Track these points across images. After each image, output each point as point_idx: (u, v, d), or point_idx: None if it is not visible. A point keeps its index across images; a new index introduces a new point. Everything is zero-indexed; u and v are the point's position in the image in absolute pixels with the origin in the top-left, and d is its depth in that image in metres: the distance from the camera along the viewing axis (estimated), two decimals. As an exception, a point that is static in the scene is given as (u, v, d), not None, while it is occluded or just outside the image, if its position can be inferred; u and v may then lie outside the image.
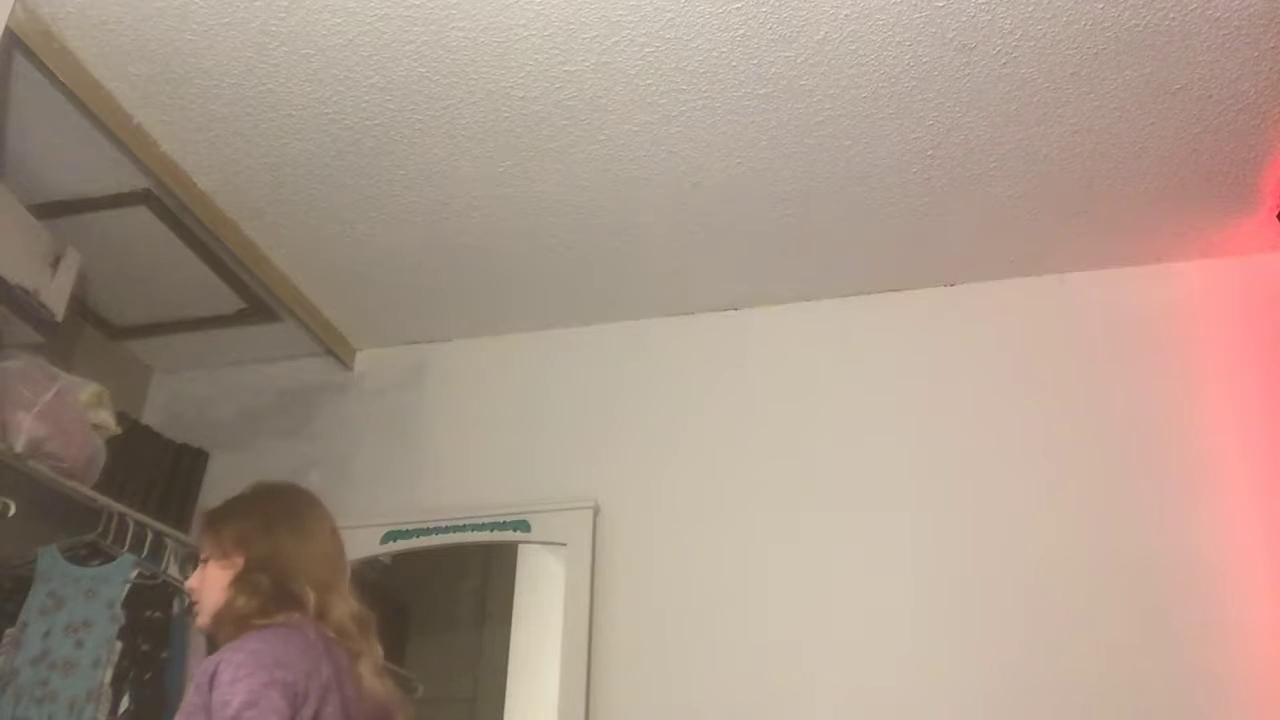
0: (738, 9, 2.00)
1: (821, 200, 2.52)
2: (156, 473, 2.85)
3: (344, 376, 3.17)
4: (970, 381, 2.69)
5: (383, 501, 2.91)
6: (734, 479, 2.73)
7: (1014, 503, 2.53)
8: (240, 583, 1.75)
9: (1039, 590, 2.42)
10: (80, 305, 2.84)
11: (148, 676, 2.27)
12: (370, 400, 3.12)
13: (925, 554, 2.53)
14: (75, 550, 2.34)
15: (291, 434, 3.11)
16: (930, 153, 2.36)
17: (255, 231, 2.67)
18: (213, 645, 1.81)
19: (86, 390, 2.45)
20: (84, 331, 2.97)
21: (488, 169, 2.44)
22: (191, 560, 2.42)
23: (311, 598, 1.75)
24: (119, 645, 2.24)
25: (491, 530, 2.79)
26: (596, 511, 2.75)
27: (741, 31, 2.05)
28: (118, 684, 2.21)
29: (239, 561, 1.78)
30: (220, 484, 2.82)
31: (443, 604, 3.07)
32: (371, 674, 1.77)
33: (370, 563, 2.80)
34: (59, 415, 2.31)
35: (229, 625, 1.72)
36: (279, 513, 1.85)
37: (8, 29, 1.91)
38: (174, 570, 2.44)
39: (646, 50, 2.10)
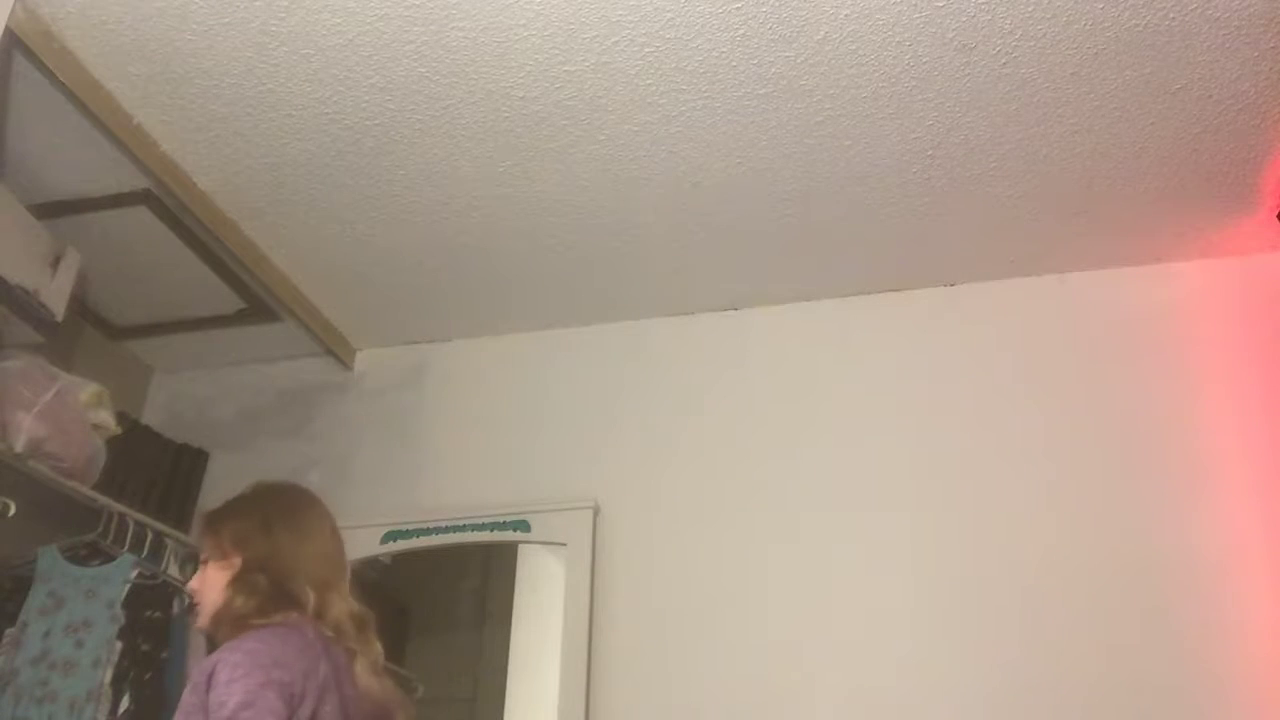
0: (738, 9, 2.00)
1: (821, 200, 2.52)
2: (156, 473, 2.85)
3: (344, 376, 3.17)
4: (970, 381, 2.69)
5: (383, 501, 2.91)
6: (734, 479, 2.73)
7: (1014, 503, 2.53)
8: (238, 583, 1.75)
9: (1039, 590, 2.42)
10: (80, 305, 2.84)
11: (148, 676, 2.27)
12: (370, 400, 3.12)
13: (925, 554, 2.53)
14: (75, 550, 2.34)
15: (291, 434, 3.11)
16: (930, 153, 2.36)
17: (255, 231, 2.67)
18: (213, 645, 1.81)
19: (86, 390, 2.45)
20: (84, 331, 2.97)
21: (488, 169, 2.44)
22: (192, 560, 2.43)
23: (311, 597, 1.75)
24: (119, 645, 2.24)
25: (491, 530, 2.79)
26: (596, 511, 2.75)
27: (741, 31, 2.05)
28: (118, 684, 2.21)
29: (237, 562, 1.78)
30: (220, 484, 2.82)
31: (443, 604, 3.07)
32: (368, 673, 1.77)
33: (370, 563, 2.80)
34: (59, 415, 2.31)
35: (227, 625, 1.72)
36: (277, 512, 1.85)
37: (8, 29, 1.91)
38: (174, 570, 2.45)
39: (646, 50, 2.10)
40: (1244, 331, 2.57)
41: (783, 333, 2.89)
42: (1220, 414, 2.50)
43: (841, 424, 2.73)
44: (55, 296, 2.39)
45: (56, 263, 2.42)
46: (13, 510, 2.15)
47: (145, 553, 2.41)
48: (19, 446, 2.21)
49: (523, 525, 2.77)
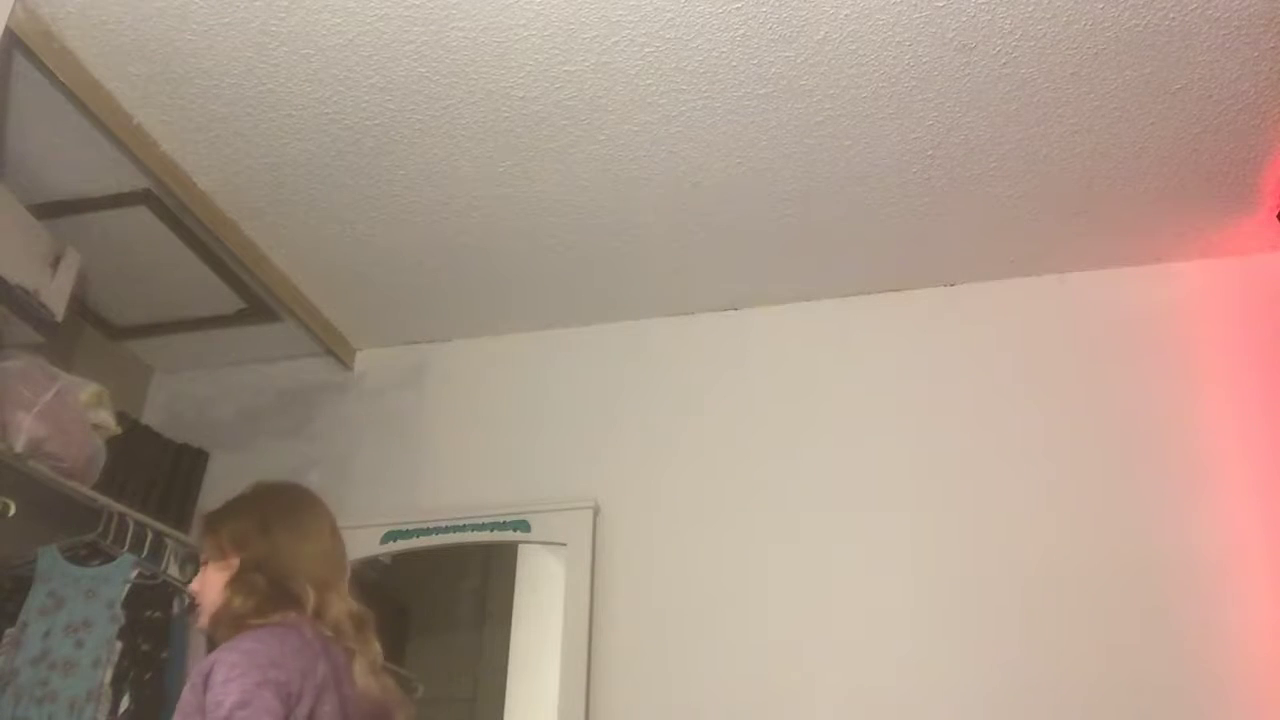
0: (738, 9, 2.00)
1: (821, 200, 2.52)
2: (156, 473, 2.85)
3: (344, 376, 3.17)
4: (970, 381, 2.69)
5: (383, 501, 2.91)
6: (734, 479, 2.73)
7: (1014, 503, 2.53)
8: (236, 583, 1.75)
9: (1039, 590, 2.42)
10: (80, 305, 2.84)
11: (148, 676, 2.27)
12: (370, 400, 3.12)
13: (925, 554, 2.53)
14: (75, 550, 2.34)
15: (291, 434, 3.11)
16: (930, 153, 2.36)
17: (255, 231, 2.67)
18: (212, 645, 1.81)
19: (86, 390, 2.45)
20: (84, 331, 2.97)
21: (488, 169, 2.44)
22: (192, 560, 2.43)
23: (310, 596, 1.75)
24: (119, 645, 2.24)
25: (491, 530, 2.79)
26: (596, 511, 2.75)
27: (741, 31, 2.05)
28: (118, 684, 2.21)
29: (235, 562, 1.78)
30: (220, 484, 2.82)
31: (443, 604, 3.07)
32: (367, 673, 1.76)
33: (370, 563, 2.80)
34: (59, 415, 2.31)
35: (226, 626, 1.72)
36: (275, 512, 1.85)
37: (8, 29, 1.91)
38: (174, 570, 2.45)
39: (646, 50, 2.10)
40: (1244, 331, 2.57)
41: (783, 333, 2.89)
42: (1220, 414, 2.50)
43: (841, 424, 2.73)
44: (55, 296, 2.39)
45: (56, 263, 2.42)
46: (13, 510, 2.15)
47: (145, 553, 2.41)
48: (19, 446, 2.21)
49: (523, 525, 2.77)
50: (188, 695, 1.60)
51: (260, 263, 2.75)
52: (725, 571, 2.63)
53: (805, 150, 2.36)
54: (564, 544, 2.73)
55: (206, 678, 1.58)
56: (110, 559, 2.35)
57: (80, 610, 2.26)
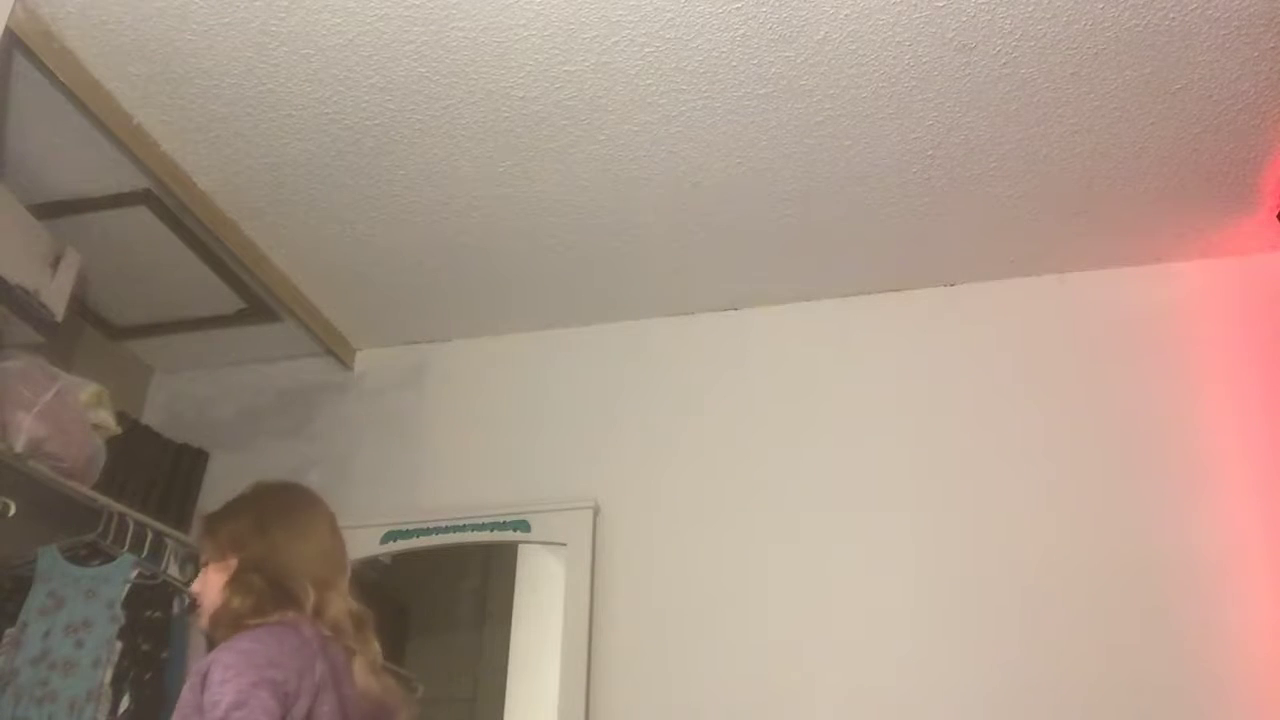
0: (738, 9, 2.00)
1: (821, 200, 2.52)
2: (156, 473, 2.85)
3: (344, 376, 3.17)
4: (970, 381, 2.69)
5: (383, 501, 2.91)
6: (734, 479, 2.73)
7: (1014, 503, 2.53)
8: (235, 583, 1.75)
9: (1039, 590, 2.42)
10: (80, 305, 2.84)
11: (148, 676, 2.27)
12: (370, 400, 3.12)
13: (925, 554, 2.53)
14: (75, 550, 2.34)
15: (291, 434, 3.11)
16: (930, 153, 2.36)
17: (255, 231, 2.67)
18: (212, 645, 1.81)
19: (86, 390, 2.45)
20: (84, 331, 2.97)
21: (488, 169, 2.44)
22: (192, 560, 2.43)
23: (310, 595, 1.75)
24: (119, 645, 2.23)
25: (491, 530, 2.79)
26: (596, 511, 2.75)
27: (741, 31, 2.05)
28: (118, 684, 2.20)
29: (233, 563, 1.78)
30: (220, 484, 2.82)
31: (443, 604, 3.07)
32: (367, 672, 1.77)
33: (370, 563, 2.80)
34: (59, 415, 2.31)
35: (225, 626, 1.72)
36: (273, 512, 1.85)
37: (8, 29, 1.91)
38: (174, 570, 2.44)
39: (646, 50, 2.10)
40: (1244, 331, 2.57)
41: (783, 333, 2.89)
42: (1220, 414, 2.50)
43: (841, 424, 2.73)
44: (55, 296, 2.39)
45: (56, 263, 2.42)
46: (13, 510, 2.15)
47: (145, 553, 2.41)
48: (19, 446, 2.20)
49: (523, 525, 2.77)
50: (187, 695, 1.61)
51: (260, 263, 2.75)
52: (725, 571, 2.63)
53: (805, 150, 2.36)
54: (564, 544, 2.73)
55: (204, 677, 1.58)
56: (110, 559, 2.35)
57: (80, 610, 2.26)
